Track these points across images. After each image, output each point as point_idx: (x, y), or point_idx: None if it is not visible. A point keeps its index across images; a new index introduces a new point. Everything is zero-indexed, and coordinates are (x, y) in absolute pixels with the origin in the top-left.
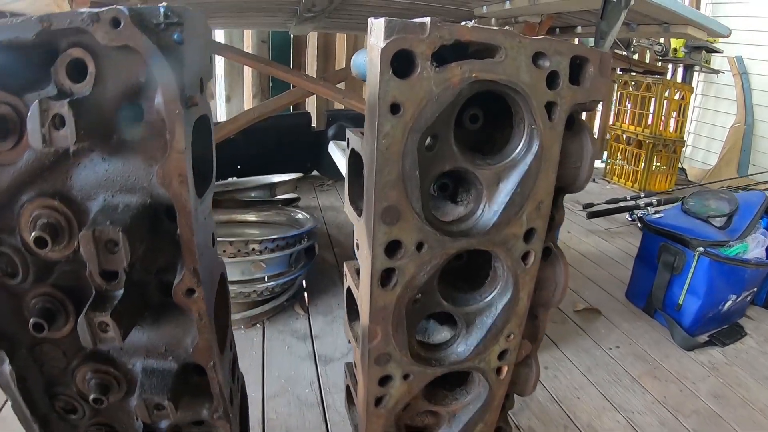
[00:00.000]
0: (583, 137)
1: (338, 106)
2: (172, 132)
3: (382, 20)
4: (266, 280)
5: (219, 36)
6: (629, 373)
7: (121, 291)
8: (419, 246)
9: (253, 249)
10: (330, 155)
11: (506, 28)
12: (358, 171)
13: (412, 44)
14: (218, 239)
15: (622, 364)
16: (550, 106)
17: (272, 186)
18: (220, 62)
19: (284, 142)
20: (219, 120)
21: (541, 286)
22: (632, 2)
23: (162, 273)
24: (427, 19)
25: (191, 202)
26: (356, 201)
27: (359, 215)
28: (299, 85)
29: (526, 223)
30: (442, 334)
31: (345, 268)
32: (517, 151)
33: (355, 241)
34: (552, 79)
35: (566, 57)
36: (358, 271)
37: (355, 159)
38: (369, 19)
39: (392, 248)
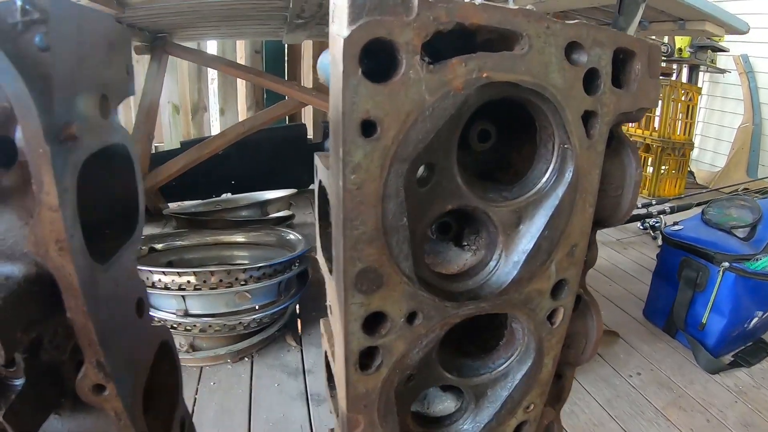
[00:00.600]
0: (625, 157)
1: None
2: (38, 181)
3: None
4: (255, 310)
5: (212, 47)
6: (653, 403)
7: (23, 380)
8: (411, 317)
9: (237, 278)
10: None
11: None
12: (329, 211)
13: (391, 31)
14: (200, 268)
15: (644, 393)
16: (588, 118)
17: (264, 204)
18: (214, 74)
19: (280, 155)
20: (213, 134)
21: (568, 343)
22: None
23: (79, 351)
24: None
25: (79, 276)
26: (329, 250)
27: (330, 271)
28: (292, 96)
29: (555, 275)
30: (445, 404)
31: (321, 326)
32: (545, 179)
33: (327, 304)
34: (590, 81)
35: (608, 50)
36: None
37: (324, 195)
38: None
39: (373, 323)
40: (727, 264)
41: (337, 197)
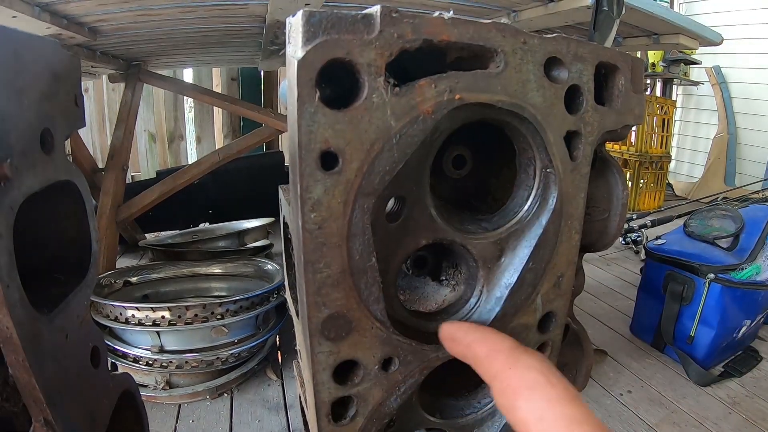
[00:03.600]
0: (610, 177)
1: None
2: None
3: (299, 13)
4: (233, 344)
5: (188, 75)
6: (645, 421)
7: None
8: (386, 363)
9: (213, 312)
10: None
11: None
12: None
13: (350, 50)
14: (176, 301)
15: (636, 411)
16: (570, 138)
17: (242, 234)
18: (190, 102)
19: (256, 183)
20: (191, 162)
21: None
22: (624, 11)
23: None
24: (375, 8)
25: (18, 329)
26: (295, 289)
27: (297, 314)
28: (268, 123)
29: (542, 308)
30: None
31: (295, 369)
32: (527, 207)
33: (297, 348)
34: (572, 98)
35: (590, 65)
36: None
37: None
38: (287, 19)
39: (344, 371)
40: (712, 275)
41: (297, 237)
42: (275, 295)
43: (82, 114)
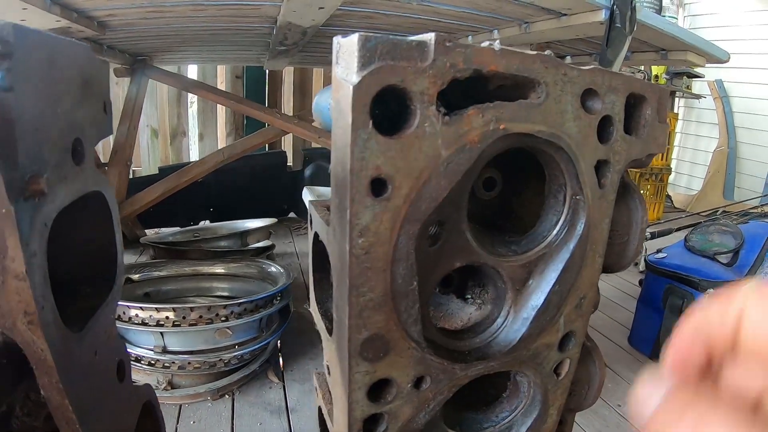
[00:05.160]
0: (631, 203)
1: (316, 144)
2: (1, 246)
3: (354, 37)
4: (236, 346)
5: (192, 72)
6: None
7: None
8: (418, 382)
9: (217, 314)
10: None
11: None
12: (325, 264)
13: (405, 78)
14: (179, 301)
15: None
16: (600, 167)
17: (244, 234)
18: (194, 99)
19: (259, 182)
20: (192, 159)
21: (571, 390)
22: (636, 27)
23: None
24: (429, 36)
25: (53, 350)
26: (325, 305)
27: (329, 332)
28: (273, 123)
29: (563, 328)
30: None
31: (314, 380)
32: (555, 232)
33: (325, 363)
34: (603, 128)
35: (622, 96)
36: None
37: (320, 247)
38: (334, 39)
39: (378, 390)
40: (712, 290)
41: (341, 261)
42: (278, 299)
43: (110, 122)
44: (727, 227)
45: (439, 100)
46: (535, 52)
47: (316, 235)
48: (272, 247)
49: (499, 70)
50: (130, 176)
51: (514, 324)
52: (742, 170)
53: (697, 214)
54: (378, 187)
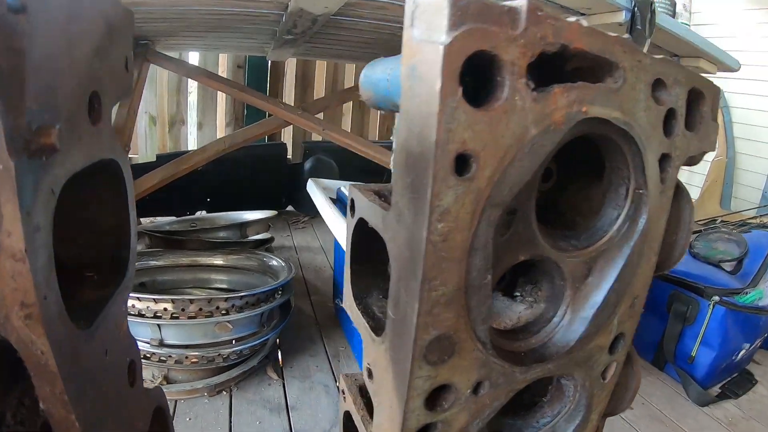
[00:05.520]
0: (681, 200)
1: (316, 137)
2: None
3: None
4: (236, 341)
5: (193, 59)
6: None
7: None
8: (477, 387)
9: (218, 307)
10: (307, 192)
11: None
12: (371, 255)
13: (496, 44)
14: (177, 295)
15: (637, 428)
16: (662, 161)
17: (243, 226)
18: (193, 87)
19: (258, 174)
20: (190, 148)
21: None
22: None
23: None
24: (521, 2)
25: (56, 353)
26: (365, 301)
27: (376, 332)
28: (275, 114)
29: (616, 329)
30: None
31: (342, 383)
32: (616, 227)
33: (365, 365)
34: (668, 121)
35: (685, 89)
36: (363, 392)
37: (364, 236)
38: None
39: (437, 396)
40: (717, 298)
41: (411, 250)
42: (280, 293)
43: (130, 81)
44: (731, 235)
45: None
46: (614, 34)
47: (359, 223)
48: (271, 239)
49: (583, 49)
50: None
51: (572, 324)
52: (740, 181)
53: (696, 222)
54: (462, 164)
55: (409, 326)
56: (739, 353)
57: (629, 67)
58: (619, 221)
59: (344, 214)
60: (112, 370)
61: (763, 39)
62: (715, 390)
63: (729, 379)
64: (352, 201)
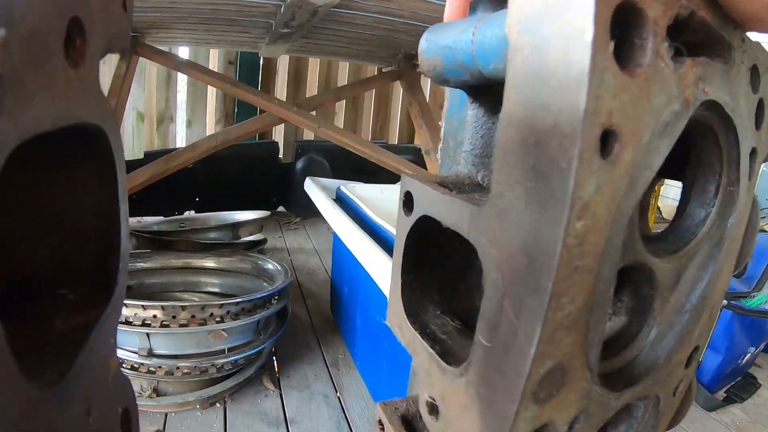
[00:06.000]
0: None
1: (308, 136)
2: None
3: None
4: (230, 350)
5: (182, 55)
6: None
7: None
8: (573, 423)
9: (212, 314)
10: (300, 191)
11: None
12: (424, 262)
13: None
14: (166, 301)
15: None
16: (750, 156)
17: (235, 226)
18: (182, 83)
19: (248, 174)
20: (179, 146)
21: None
22: None
23: None
24: None
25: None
26: (421, 319)
27: (445, 359)
28: (269, 110)
29: (695, 341)
30: None
31: (380, 413)
32: (706, 228)
33: (425, 398)
34: (759, 113)
35: None
36: (408, 425)
37: (426, 238)
38: None
39: None
40: (725, 302)
41: (533, 258)
42: (276, 298)
43: (128, 26)
44: None
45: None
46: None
47: (417, 223)
48: (264, 241)
49: (706, 20)
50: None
51: (662, 338)
52: None
53: None
54: (605, 144)
55: (517, 357)
56: (744, 357)
57: (737, 47)
58: (708, 222)
59: (347, 213)
60: (97, 428)
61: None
62: (721, 394)
63: (733, 383)
64: (408, 195)
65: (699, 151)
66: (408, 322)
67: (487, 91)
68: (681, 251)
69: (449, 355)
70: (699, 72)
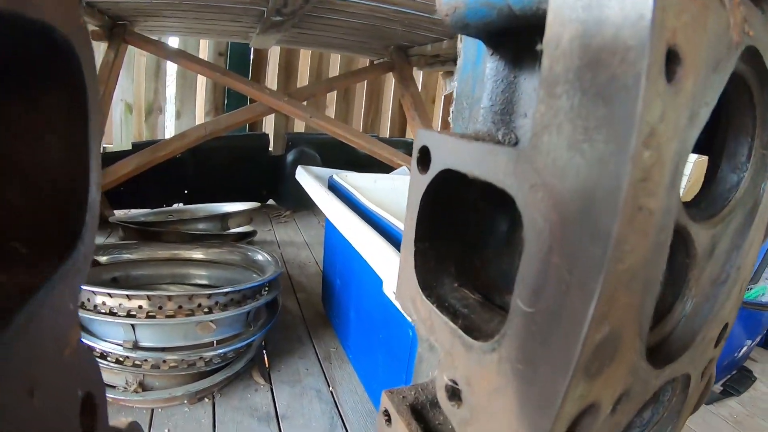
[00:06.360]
0: None
1: (299, 128)
2: None
3: None
4: (220, 343)
5: (173, 44)
6: None
7: None
8: (617, 403)
9: (200, 305)
10: (291, 183)
11: None
12: (441, 229)
13: None
14: (153, 288)
15: None
16: None
17: (224, 217)
18: (171, 75)
19: (238, 165)
20: (168, 137)
21: None
22: None
23: None
24: None
25: None
26: (436, 292)
27: (468, 332)
28: (260, 100)
29: (727, 316)
30: None
31: (386, 402)
32: (738, 194)
33: (444, 380)
34: None
35: None
36: (416, 414)
37: (433, 202)
38: None
39: (578, 419)
40: None
41: (589, 199)
42: (266, 290)
43: None
44: None
45: None
46: None
47: (433, 183)
48: (254, 233)
49: None
50: (101, 151)
51: (698, 311)
52: None
53: None
54: (670, 65)
55: (569, 321)
56: (741, 350)
57: None
58: (742, 187)
59: (341, 201)
60: (47, 419)
61: None
62: (718, 387)
63: (729, 376)
64: (424, 150)
65: (732, 111)
66: (423, 295)
67: (508, 39)
68: (717, 216)
69: (474, 330)
70: (744, 12)
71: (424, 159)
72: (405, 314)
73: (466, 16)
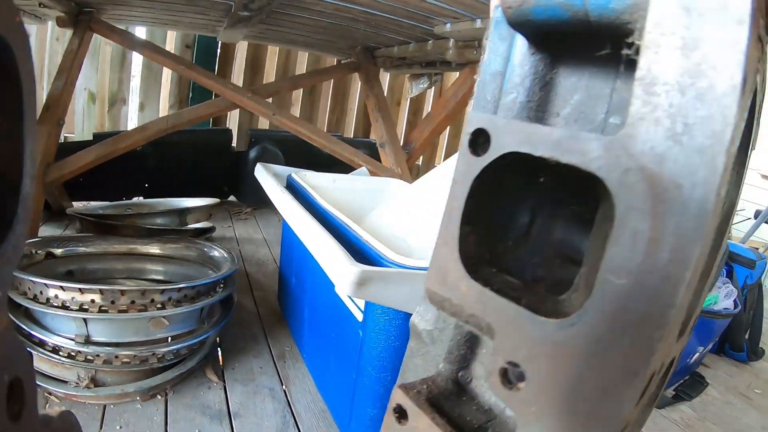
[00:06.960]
0: None
1: (263, 125)
2: None
3: None
4: (173, 339)
5: (140, 35)
6: None
7: None
8: (671, 365)
9: (153, 300)
10: (252, 180)
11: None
12: (483, 215)
13: None
14: (107, 283)
15: None
16: None
17: (183, 212)
18: (137, 66)
19: (200, 160)
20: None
21: None
22: None
23: None
24: None
25: None
26: (482, 274)
27: (545, 305)
28: (224, 95)
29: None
30: None
31: (399, 398)
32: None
33: (499, 369)
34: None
35: None
36: (437, 408)
37: (480, 189)
38: None
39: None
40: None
41: (693, 183)
42: (221, 286)
43: None
44: None
45: None
46: None
47: (490, 165)
48: (212, 229)
49: None
50: (61, 140)
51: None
52: None
53: None
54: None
55: (666, 288)
56: (693, 356)
57: None
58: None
59: (298, 200)
60: None
61: None
62: (670, 392)
63: (682, 381)
64: (481, 133)
65: None
66: (470, 278)
67: (555, 39)
68: None
69: (535, 309)
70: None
71: (480, 142)
72: (432, 304)
73: (533, 12)
